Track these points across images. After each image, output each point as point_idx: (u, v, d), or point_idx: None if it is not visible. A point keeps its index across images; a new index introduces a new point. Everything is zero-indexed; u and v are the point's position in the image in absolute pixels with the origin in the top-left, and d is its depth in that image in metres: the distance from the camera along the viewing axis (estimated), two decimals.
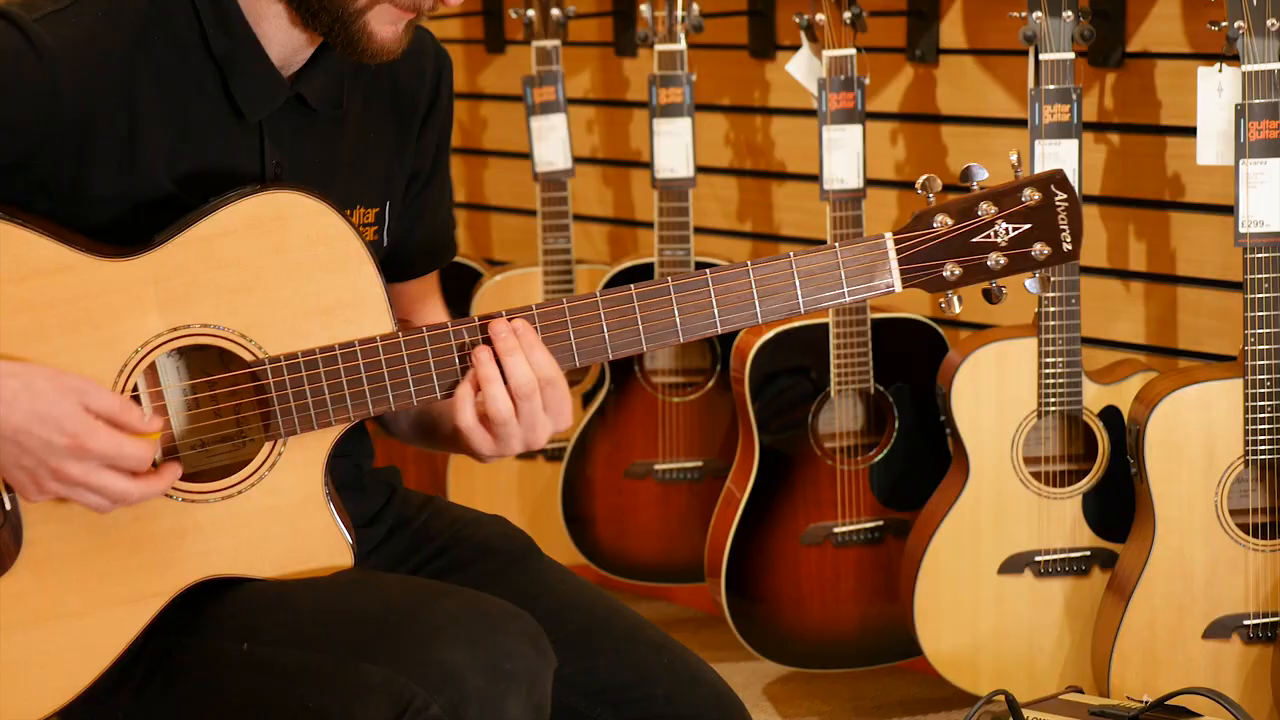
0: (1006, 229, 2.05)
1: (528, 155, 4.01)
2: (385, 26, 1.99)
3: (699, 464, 3.90)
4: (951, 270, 2.05)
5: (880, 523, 3.57)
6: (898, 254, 2.04)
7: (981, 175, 2.07)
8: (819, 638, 3.61)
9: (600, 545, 3.95)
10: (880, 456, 3.55)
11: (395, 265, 2.21)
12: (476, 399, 1.98)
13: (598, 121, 4.37)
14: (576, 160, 4.05)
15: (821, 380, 3.52)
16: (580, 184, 4.23)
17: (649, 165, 3.79)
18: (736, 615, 3.60)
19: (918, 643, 3.39)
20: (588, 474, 3.94)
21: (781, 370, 3.54)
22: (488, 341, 1.97)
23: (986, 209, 2.05)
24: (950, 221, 2.05)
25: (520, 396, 1.96)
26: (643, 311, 2.01)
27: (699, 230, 3.90)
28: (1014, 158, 2.12)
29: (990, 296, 2.08)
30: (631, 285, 2.01)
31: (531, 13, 3.94)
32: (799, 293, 2.02)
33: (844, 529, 3.56)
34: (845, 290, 2.04)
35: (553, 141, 3.99)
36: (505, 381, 1.96)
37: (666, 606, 4.22)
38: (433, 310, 2.28)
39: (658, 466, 3.90)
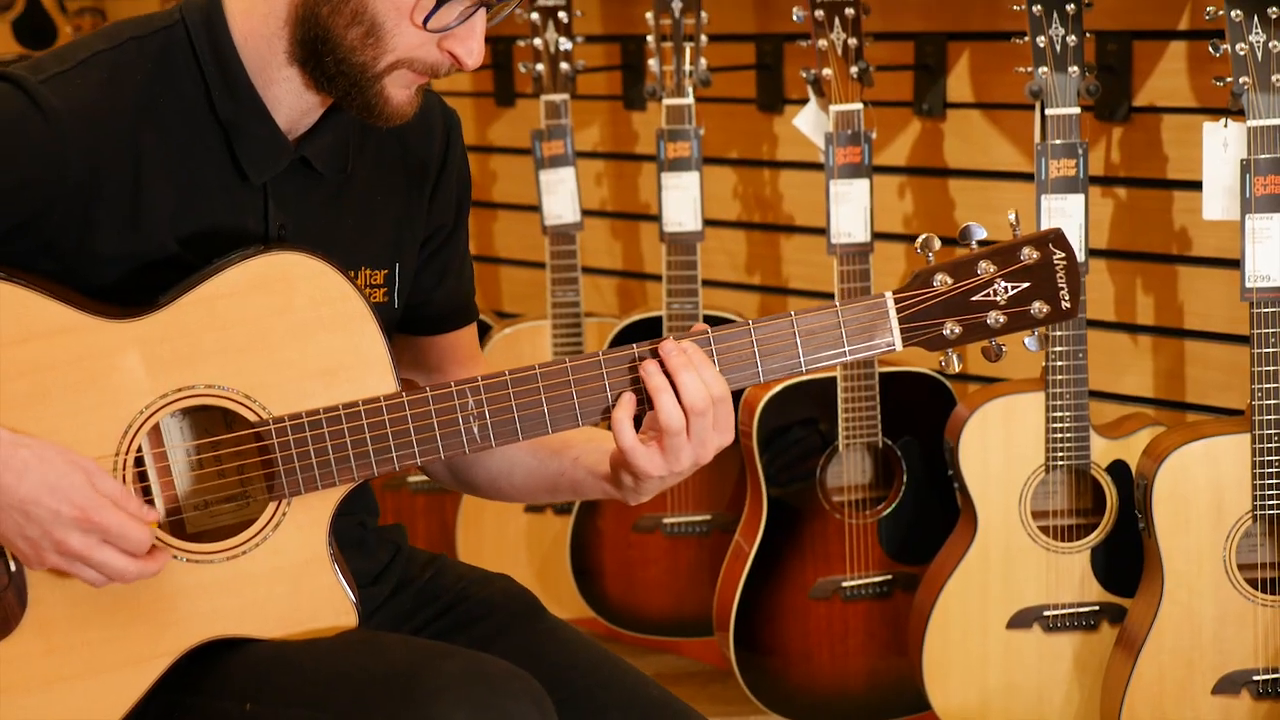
0: (1005, 287, 2.06)
1: (537, 208, 4.03)
2: (401, 90, 2.01)
3: (707, 517, 3.89)
4: (951, 329, 2.06)
5: (888, 577, 3.56)
6: (898, 313, 2.04)
7: (980, 234, 2.07)
8: (827, 692, 3.60)
9: (609, 599, 3.95)
10: (888, 510, 3.55)
11: (424, 321, 2.23)
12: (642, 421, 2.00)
13: (606, 175, 4.39)
14: (585, 213, 4.06)
15: (830, 434, 3.52)
16: (589, 237, 4.24)
17: (657, 218, 3.80)
18: (745, 669, 3.59)
19: (926, 697, 3.39)
20: (596, 527, 3.94)
21: (789, 424, 3.55)
22: (655, 356, 1.98)
23: (985, 268, 2.05)
24: (950, 280, 2.05)
25: (694, 413, 1.97)
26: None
27: (707, 283, 3.91)
28: (1012, 217, 2.13)
29: (989, 355, 2.09)
30: (634, 345, 2.01)
31: (541, 67, 3.96)
32: (800, 352, 2.03)
33: (852, 583, 3.56)
34: (846, 349, 2.04)
35: (561, 195, 4.00)
36: (678, 396, 1.97)
37: (675, 660, 4.22)
38: (482, 368, 2.29)
39: (666, 520, 3.90)
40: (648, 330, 3.86)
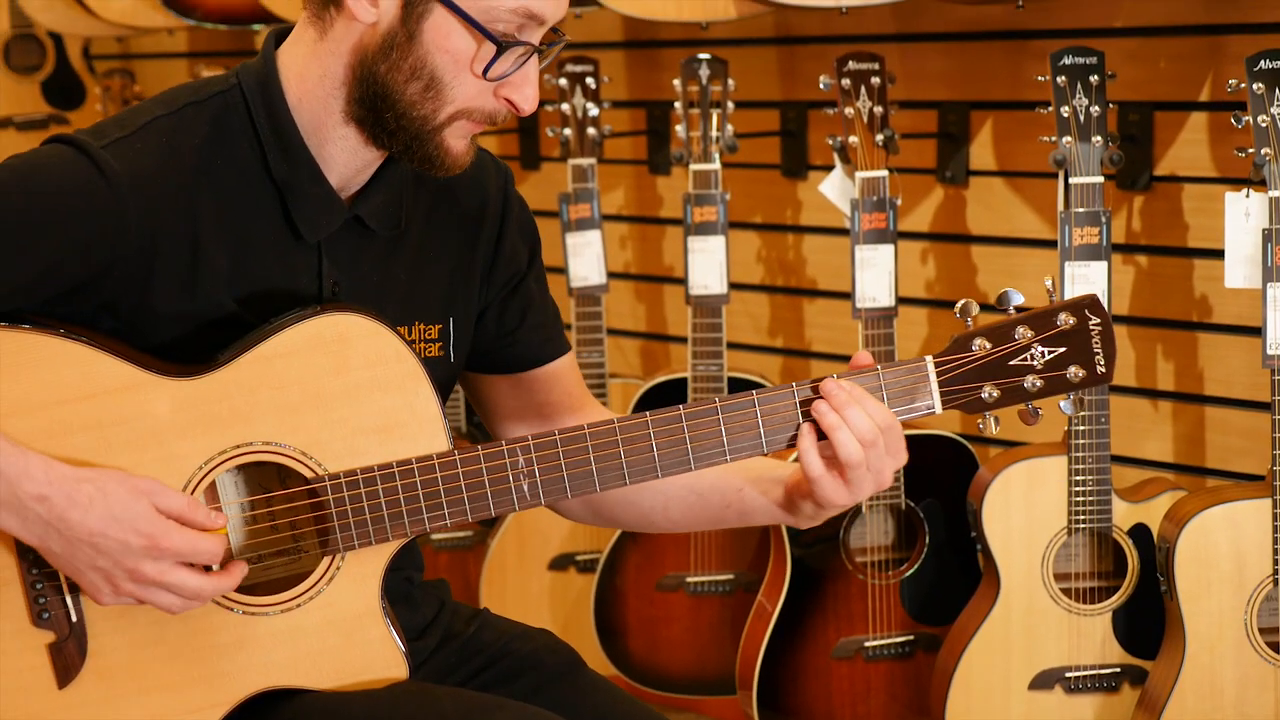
0: (1042, 352, 2.11)
1: (563, 270, 4.08)
2: (459, 141, 2.06)
3: (730, 577, 3.93)
4: (990, 392, 2.10)
5: (911, 637, 3.60)
6: (938, 376, 2.09)
7: (1017, 300, 2.12)
8: None
9: (632, 657, 3.98)
10: (911, 571, 3.59)
11: (518, 359, 2.29)
12: (820, 447, 2.06)
13: (631, 238, 4.44)
14: (610, 275, 4.11)
15: None
16: (613, 299, 4.30)
17: (682, 281, 3.85)
18: None
19: None
20: (620, 586, 3.98)
21: None
22: (819, 397, 2.05)
23: (1023, 333, 2.10)
24: (988, 345, 2.10)
25: (866, 444, 2.03)
26: (690, 433, 2.06)
27: (731, 345, 3.96)
28: (1048, 283, 2.18)
29: (1025, 418, 2.13)
30: (680, 406, 2.06)
31: (568, 131, 4.02)
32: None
33: (875, 643, 3.59)
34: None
35: (588, 257, 4.06)
36: (851, 430, 2.03)
37: (697, 718, 4.24)
38: (591, 406, 2.35)
39: (689, 579, 3.94)
40: (673, 391, 3.90)
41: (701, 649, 3.97)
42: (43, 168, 1.99)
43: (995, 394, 2.11)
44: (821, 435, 2.06)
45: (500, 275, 2.27)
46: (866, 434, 2.04)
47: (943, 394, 2.10)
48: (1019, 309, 2.13)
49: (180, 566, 1.93)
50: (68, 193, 1.97)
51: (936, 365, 2.09)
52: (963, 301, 2.11)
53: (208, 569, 1.97)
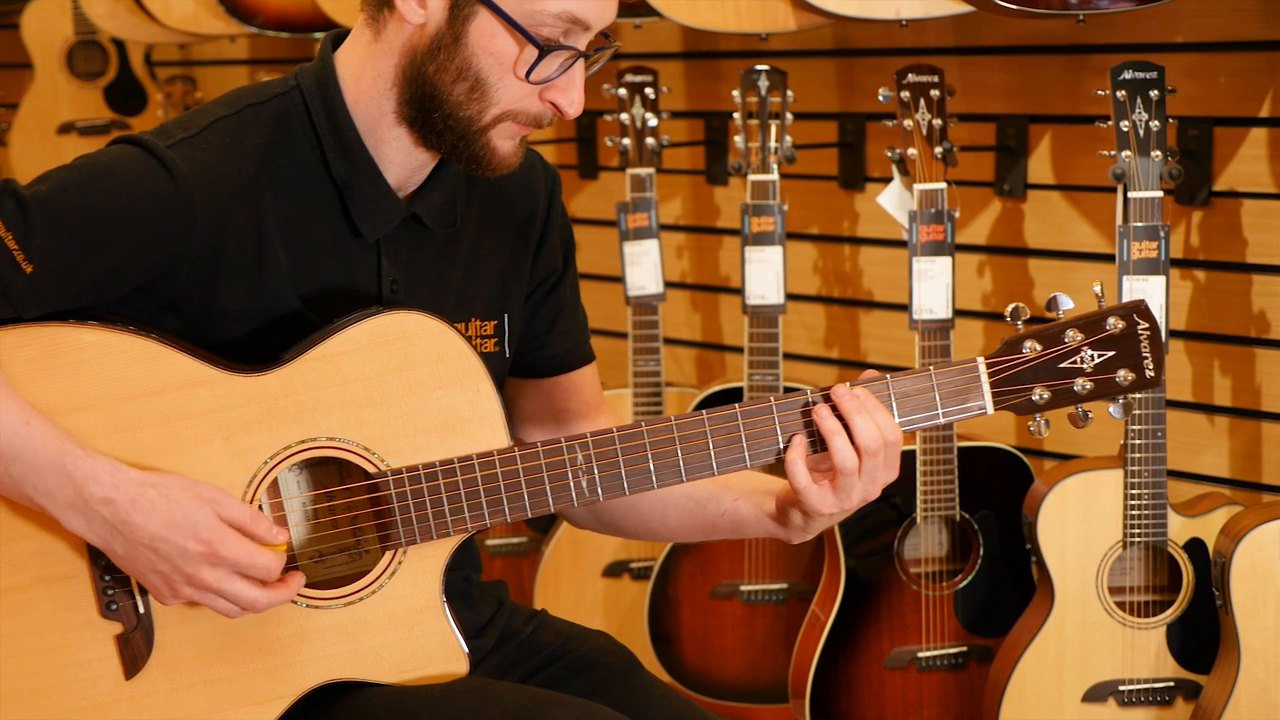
0: (1092, 355, 2.12)
1: (619, 279, 4.10)
2: (506, 142, 2.09)
3: (784, 586, 3.94)
4: (1040, 394, 2.12)
5: (964, 648, 3.60)
6: (989, 377, 2.11)
7: (1067, 304, 2.14)
8: None
9: (685, 664, 3.99)
10: (965, 583, 3.59)
11: (543, 364, 2.32)
12: (807, 460, 2.07)
13: (688, 247, 4.46)
14: (667, 285, 4.13)
15: (907, 506, 3.57)
16: (669, 308, 4.32)
17: (738, 291, 3.87)
18: None
19: None
20: (674, 593, 3.99)
21: None
22: (827, 400, 2.07)
23: (1073, 336, 2.12)
24: (1039, 347, 2.12)
25: (867, 453, 2.05)
26: (746, 431, 2.07)
27: (786, 356, 3.98)
28: (1098, 289, 2.20)
29: (1075, 421, 2.15)
30: (736, 405, 2.08)
31: (627, 141, 4.04)
32: (895, 413, 2.09)
33: (928, 654, 3.60)
34: (940, 412, 2.11)
35: (645, 266, 4.07)
36: (851, 438, 2.05)
37: None
38: (605, 414, 2.38)
39: (743, 587, 3.95)
40: (728, 400, 3.89)
41: (754, 657, 3.98)
42: (110, 168, 2.02)
43: (1046, 396, 2.12)
44: (816, 445, 2.07)
45: (537, 276, 2.30)
46: (870, 443, 2.06)
47: (994, 395, 2.11)
48: (1068, 314, 2.14)
49: (237, 576, 1.96)
50: (135, 192, 2.00)
51: (988, 366, 2.11)
52: (1014, 305, 2.13)
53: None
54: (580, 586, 4.16)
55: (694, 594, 3.98)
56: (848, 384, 2.08)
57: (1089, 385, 2.12)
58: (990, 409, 2.11)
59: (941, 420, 2.10)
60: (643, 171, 4.07)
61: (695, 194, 4.43)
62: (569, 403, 2.36)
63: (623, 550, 4.13)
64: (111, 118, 5.77)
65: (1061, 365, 2.11)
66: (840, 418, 2.06)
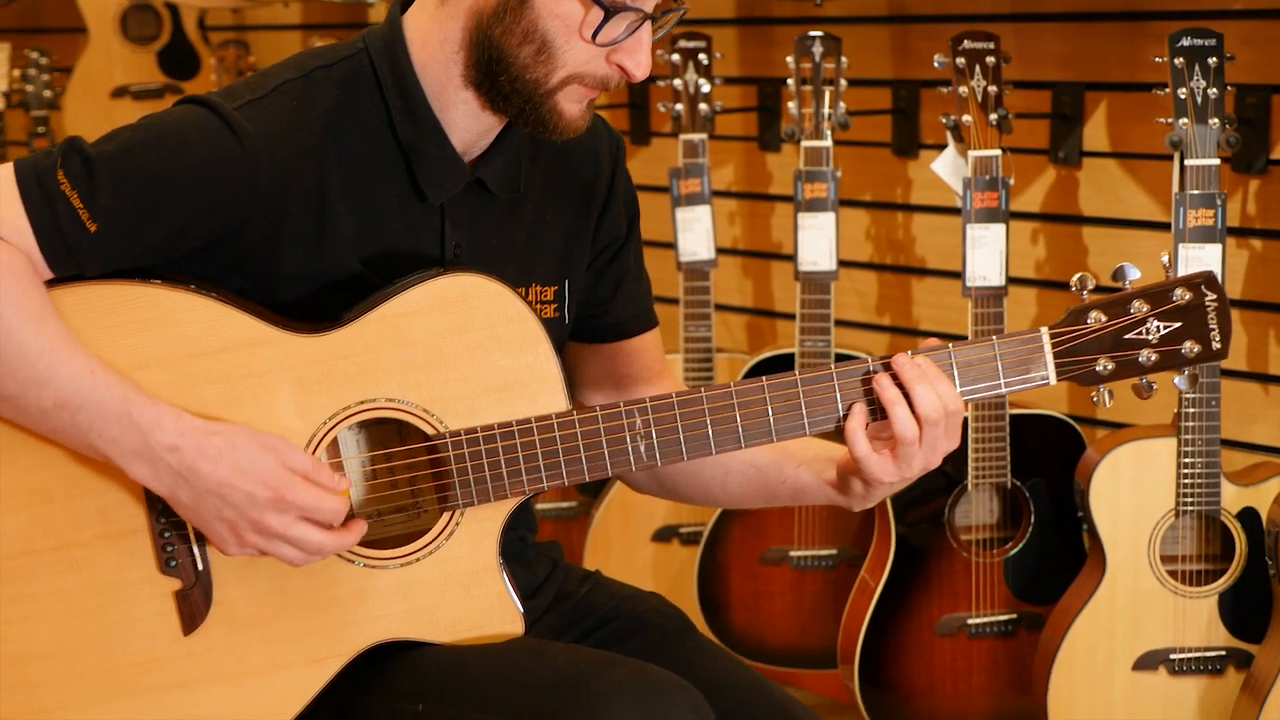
0: (1158, 327, 2.11)
1: (671, 245, 4.10)
2: (573, 105, 2.09)
3: (833, 551, 3.95)
4: (1104, 365, 2.11)
5: (1014, 616, 3.60)
6: (1053, 348, 2.10)
7: (1134, 275, 2.13)
8: None
9: (733, 629, 4.00)
10: (1015, 550, 3.59)
11: (606, 329, 2.32)
12: (868, 429, 2.07)
13: (739, 214, 4.46)
14: (718, 251, 4.13)
15: (958, 473, 3.57)
16: (721, 274, 4.32)
17: (789, 257, 3.86)
18: (869, 703, 3.64)
19: None
20: (723, 559, 4.00)
21: None
22: (888, 369, 2.06)
23: (1139, 307, 2.11)
24: (1104, 318, 2.11)
25: (927, 422, 2.04)
26: (806, 399, 2.08)
27: (838, 322, 3.97)
28: (1165, 259, 2.18)
29: (1140, 392, 2.14)
30: (795, 372, 2.08)
31: (680, 107, 4.04)
32: (957, 383, 2.08)
33: (978, 621, 3.60)
34: (1002, 382, 2.10)
35: (697, 232, 4.07)
36: (911, 407, 2.04)
37: (796, 692, 4.25)
38: (668, 380, 2.38)
39: (793, 553, 3.95)
40: (779, 366, 3.92)
41: (803, 623, 3.99)
42: (177, 128, 2.03)
43: (1110, 367, 2.11)
44: (876, 414, 2.07)
45: (600, 243, 2.30)
46: (931, 412, 2.05)
47: (1058, 365, 2.10)
48: (1134, 284, 2.13)
49: (303, 521, 1.97)
50: (202, 152, 2.00)
51: (1052, 336, 2.10)
52: (1079, 275, 2.12)
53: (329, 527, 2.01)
54: (630, 551, 4.17)
55: (743, 559, 3.99)
56: (908, 352, 2.07)
57: (1154, 357, 2.11)
58: (1053, 380, 2.10)
59: (1004, 390, 2.09)
60: (695, 137, 4.07)
61: (747, 160, 4.43)
62: (630, 368, 2.36)
63: (672, 515, 4.14)
64: (165, 82, 5.79)
65: (1127, 336, 2.11)
66: (901, 387, 2.05)
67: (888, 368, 2.07)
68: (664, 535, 4.16)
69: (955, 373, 2.08)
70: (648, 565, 4.16)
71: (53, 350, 1.92)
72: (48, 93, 5.48)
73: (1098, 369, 2.11)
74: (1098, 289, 2.13)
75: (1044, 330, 2.11)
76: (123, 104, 5.71)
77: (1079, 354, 2.11)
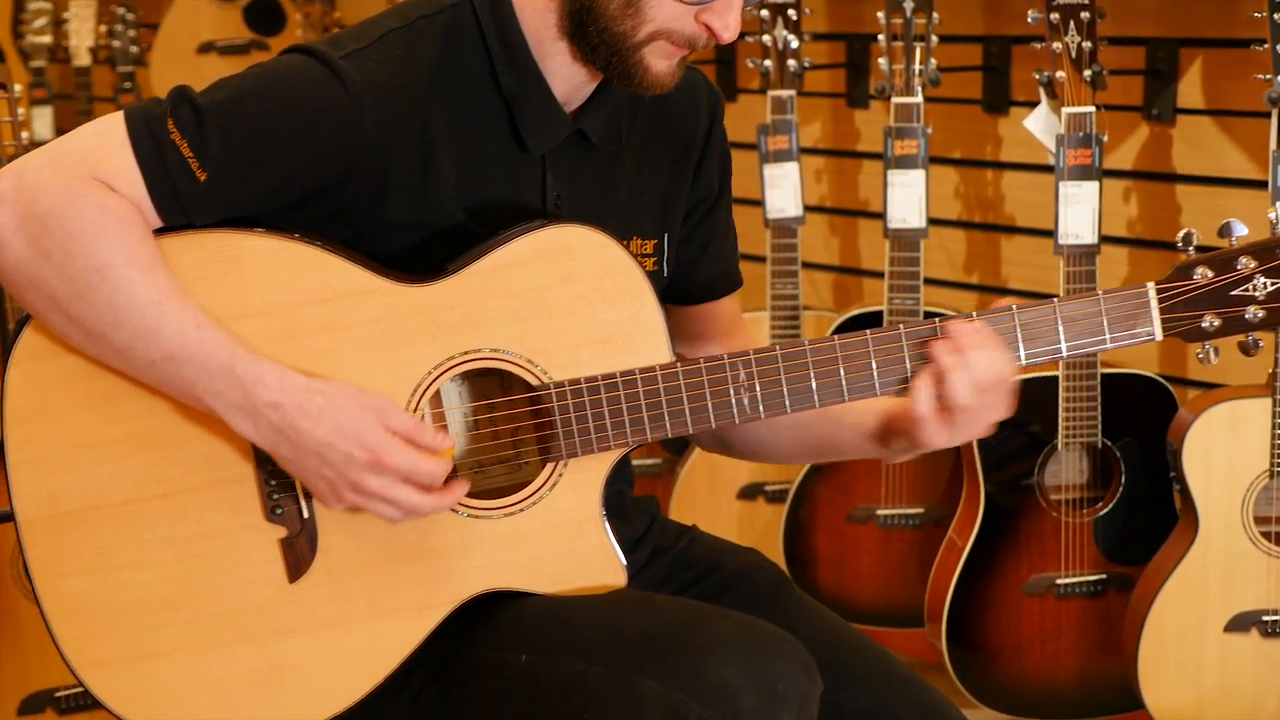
0: (1265, 284, 2.09)
1: (758, 202, 4.09)
2: (660, 61, 2.08)
3: (921, 511, 3.93)
4: (1210, 321, 2.09)
5: (1103, 576, 3.58)
6: (1159, 303, 2.08)
7: (1241, 230, 2.11)
8: (1037, 687, 3.63)
9: (819, 587, 4.00)
10: (1105, 510, 3.57)
11: (691, 289, 2.31)
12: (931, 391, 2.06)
13: (826, 171, 4.44)
14: (805, 208, 4.12)
15: (1048, 433, 3.55)
16: (807, 232, 4.30)
17: (877, 215, 3.84)
18: (956, 662, 3.63)
19: (1136, 697, 3.40)
20: (809, 517, 3.99)
21: (1009, 421, 3.56)
22: (945, 335, 2.05)
23: (1246, 263, 2.09)
24: (1210, 274, 2.09)
25: (983, 389, 2.04)
26: (910, 352, 2.07)
27: (925, 280, 3.94)
28: (1272, 215, 2.16)
29: (1246, 349, 2.12)
30: (900, 324, 2.07)
31: (768, 63, 4.02)
32: (1062, 337, 2.07)
33: (1067, 581, 3.58)
34: (1108, 337, 2.08)
35: (785, 189, 4.06)
36: (971, 374, 2.03)
37: None
38: (743, 337, 2.37)
39: (880, 511, 3.94)
40: (867, 324, 3.89)
41: (889, 581, 3.98)
42: (284, 77, 2.03)
43: (1216, 323, 2.09)
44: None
45: (695, 197, 2.29)
46: (986, 379, 2.04)
47: (1164, 321, 2.09)
48: (1241, 240, 2.11)
49: (401, 483, 1.97)
50: (309, 101, 2.01)
51: (1159, 292, 2.08)
52: (1185, 230, 2.10)
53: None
54: (715, 508, 4.17)
55: (830, 517, 3.98)
56: (972, 315, 2.05)
57: (1261, 313, 2.09)
58: (1159, 335, 2.09)
59: (1109, 346, 2.08)
60: (784, 94, 4.05)
61: (835, 117, 4.41)
62: (706, 328, 2.36)
63: (758, 472, 4.13)
64: (250, 38, 5.81)
65: (1233, 293, 2.08)
66: (959, 353, 2.04)
67: (946, 333, 2.05)
68: (749, 493, 4.16)
69: (1060, 328, 2.07)
70: (732, 523, 4.16)
71: (162, 301, 1.94)
72: (134, 49, 5.52)
73: (1204, 325, 2.09)
74: (1200, 249, 2.11)
75: (1150, 285, 2.09)
76: (209, 60, 5.74)
77: (1185, 310, 2.09)
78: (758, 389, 2.06)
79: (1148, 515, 3.54)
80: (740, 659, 1.91)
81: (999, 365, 2.04)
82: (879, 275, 3.97)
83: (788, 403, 2.06)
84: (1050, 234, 3.50)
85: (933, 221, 3.99)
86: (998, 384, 2.05)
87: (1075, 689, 3.63)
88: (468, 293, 2.03)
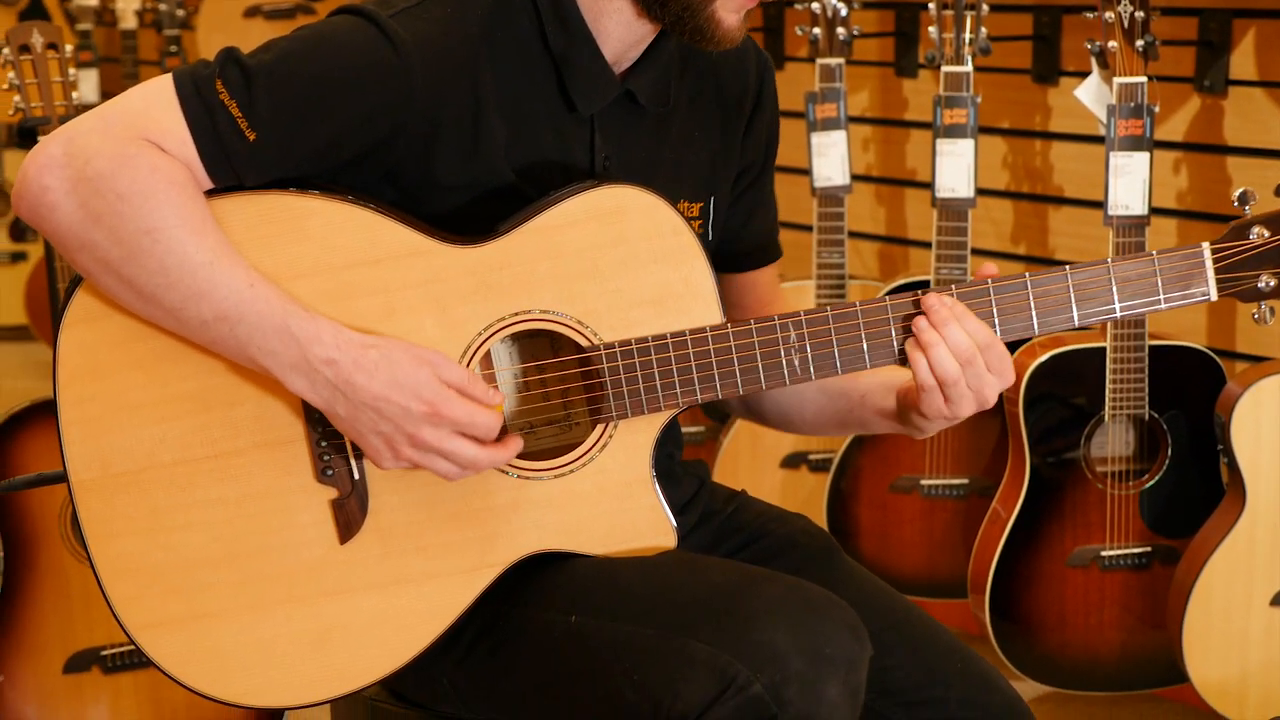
0: None
1: (805, 171, 4.08)
2: (730, 15, 2.08)
3: (965, 481, 3.92)
4: (1267, 281, 2.07)
5: (1148, 549, 3.57)
6: (1215, 263, 2.07)
7: None
8: (1080, 659, 3.62)
9: (862, 557, 4.00)
10: (1151, 482, 3.55)
11: (733, 258, 2.30)
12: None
13: (874, 140, 4.42)
14: (852, 177, 4.10)
15: (1095, 404, 3.53)
16: (853, 200, 4.29)
17: (924, 185, 3.83)
18: (998, 633, 3.63)
19: (1180, 671, 3.39)
20: (853, 487, 3.99)
21: (1056, 392, 3.57)
22: (920, 314, 2.04)
23: None
24: (1267, 233, 2.07)
25: (964, 361, 2.03)
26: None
27: (973, 251, 3.93)
28: None
29: None
30: (953, 286, 2.06)
31: (817, 31, 4.01)
32: (1115, 298, 2.06)
33: (1111, 553, 3.57)
34: (1161, 297, 2.07)
35: (832, 158, 4.05)
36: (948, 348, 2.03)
37: None
38: (780, 306, 2.36)
39: (924, 482, 3.94)
40: None
41: (933, 552, 3.98)
42: (333, 37, 2.03)
43: (1272, 283, 2.08)
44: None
45: (743, 162, 2.28)
46: (963, 352, 2.02)
47: (1219, 281, 2.07)
48: None
49: (458, 436, 1.97)
50: (358, 61, 2.00)
51: (1214, 252, 2.07)
52: (1242, 189, 2.08)
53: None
54: (758, 476, 4.17)
55: (873, 487, 3.98)
56: (951, 287, 2.05)
57: None
58: (1214, 295, 2.07)
59: (1163, 306, 2.06)
60: (832, 61, 4.04)
61: (883, 86, 4.39)
62: (744, 298, 2.35)
63: (801, 441, 4.13)
64: (296, 2, 5.80)
65: None
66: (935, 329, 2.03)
67: (920, 311, 2.04)
68: (792, 462, 4.15)
69: (1114, 289, 2.06)
70: (775, 491, 4.16)
71: (214, 262, 1.93)
72: (180, 12, 5.52)
73: (1259, 285, 2.08)
74: (1226, 219, 2.09)
75: (1205, 245, 2.07)
76: (255, 23, 5.73)
77: (1241, 269, 2.07)
78: (809, 350, 2.05)
79: (1194, 488, 3.53)
80: (789, 622, 1.90)
81: (976, 335, 2.03)
82: (925, 245, 3.97)
83: (839, 364, 2.05)
84: (1098, 205, 3.48)
85: (980, 192, 3.97)
86: (978, 354, 2.03)
87: (1118, 661, 3.62)
88: (518, 253, 2.02)
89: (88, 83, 5.85)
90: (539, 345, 2.12)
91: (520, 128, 2.09)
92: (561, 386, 2.09)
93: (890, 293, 3.87)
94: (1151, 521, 3.57)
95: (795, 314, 2.05)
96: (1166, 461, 3.54)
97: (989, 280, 2.06)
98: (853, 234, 4.36)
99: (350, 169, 2.04)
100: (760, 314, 2.34)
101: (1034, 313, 2.06)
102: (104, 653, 3.23)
